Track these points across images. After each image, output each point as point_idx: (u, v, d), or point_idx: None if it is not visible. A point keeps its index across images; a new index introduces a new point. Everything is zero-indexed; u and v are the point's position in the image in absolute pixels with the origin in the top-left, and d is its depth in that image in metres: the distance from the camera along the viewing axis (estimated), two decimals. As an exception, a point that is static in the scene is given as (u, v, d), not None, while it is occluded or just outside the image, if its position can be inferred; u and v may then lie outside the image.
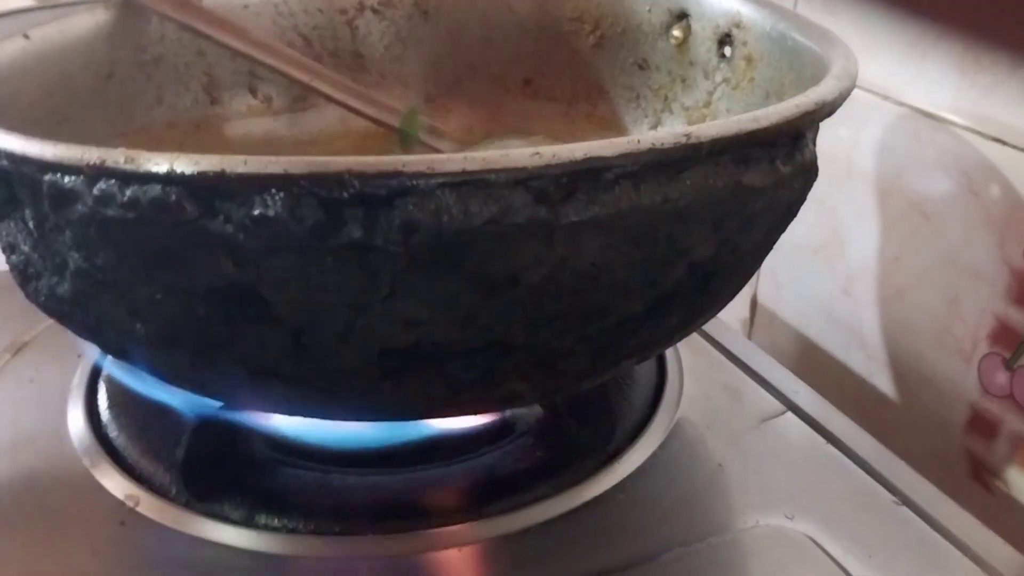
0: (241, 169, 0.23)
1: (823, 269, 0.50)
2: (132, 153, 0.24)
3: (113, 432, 0.37)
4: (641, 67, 0.46)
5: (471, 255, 0.24)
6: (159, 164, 0.23)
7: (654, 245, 0.25)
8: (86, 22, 0.42)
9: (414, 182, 0.23)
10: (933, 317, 0.44)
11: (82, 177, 0.24)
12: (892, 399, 0.47)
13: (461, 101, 0.50)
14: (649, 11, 0.45)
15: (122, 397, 0.39)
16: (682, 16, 0.44)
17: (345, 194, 0.23)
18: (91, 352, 0.42)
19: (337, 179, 0.23)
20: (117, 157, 0.24)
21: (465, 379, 0.27)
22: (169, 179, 0.23)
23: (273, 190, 0.23)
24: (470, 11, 0.50)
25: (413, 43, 0.50)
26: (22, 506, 0.34)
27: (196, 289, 0.25)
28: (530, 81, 0.49)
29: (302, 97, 0.48)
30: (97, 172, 0.24)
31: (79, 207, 0.25)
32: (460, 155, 0.23)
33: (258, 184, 0.23)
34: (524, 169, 0.23)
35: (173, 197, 0.23)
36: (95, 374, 0.41)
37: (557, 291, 0.25)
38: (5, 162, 0.26)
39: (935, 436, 0.45)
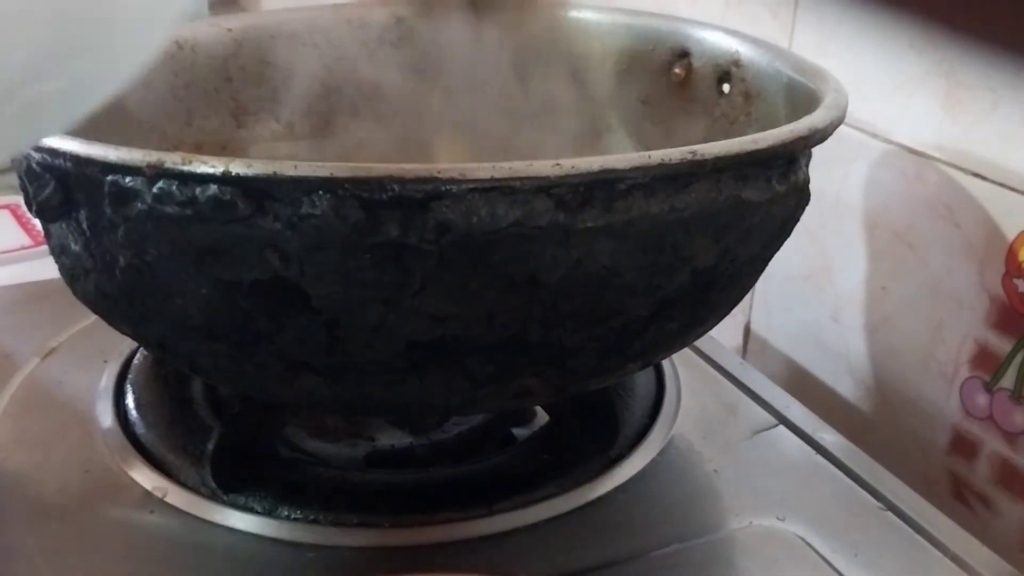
0: (291, 172, 0.25)
1: (813, 297, 0.53)
2: (190, 156, 0.26)
3: (140, 430, 0.39)
4: (644, 102, 0.48)
5: (496, 254, 0.26)
6: (216, 166, 0.26)
7: (661, 251, 0.28)
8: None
9: (447, 187, 0.25)
10: (917, 342, 0.46)
11: (142, 177, 0.27)
12: (879, 421, 0.49)
13: (472, 132, 0.52)
14: (653, 50, 0.48)
15: (149, 398, 0.41)
16: (683, 55, 0.46)
17: (385, 196, 0.25)
18: (116, 358, 0.44)
19: (378, 183, 0.25)
20: (175, 159, 0.26)
21: (483, 374, 0.29)
22: (225, 180, 0.26)
23: (320, 191, 0.25)
24: (482, 48, 0.53)
25: (428, 75, 0.53)
26: (56, 499, 0.35)
27: (242, 283, 0.27)
28: (538, 115, 0.52)
29: (323, 124, 0.51)
30: (157, 172, 0.26)
31: (138, 205, 0.27)
32: (489, 164, 0.25)
33: (306, 186, 0.25)
34: (546, 178, 0.26)
35: (228, 196, 0.26)
36: (122, 377, 0.43)
37: (571, 291, 0.27)
38: (68, 164, 0.28)
39: (919, 457, 0.47)
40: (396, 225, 0.26)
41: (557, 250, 0.26)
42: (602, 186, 0.26)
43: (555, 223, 0.26)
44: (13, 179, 0.91)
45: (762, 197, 0.29)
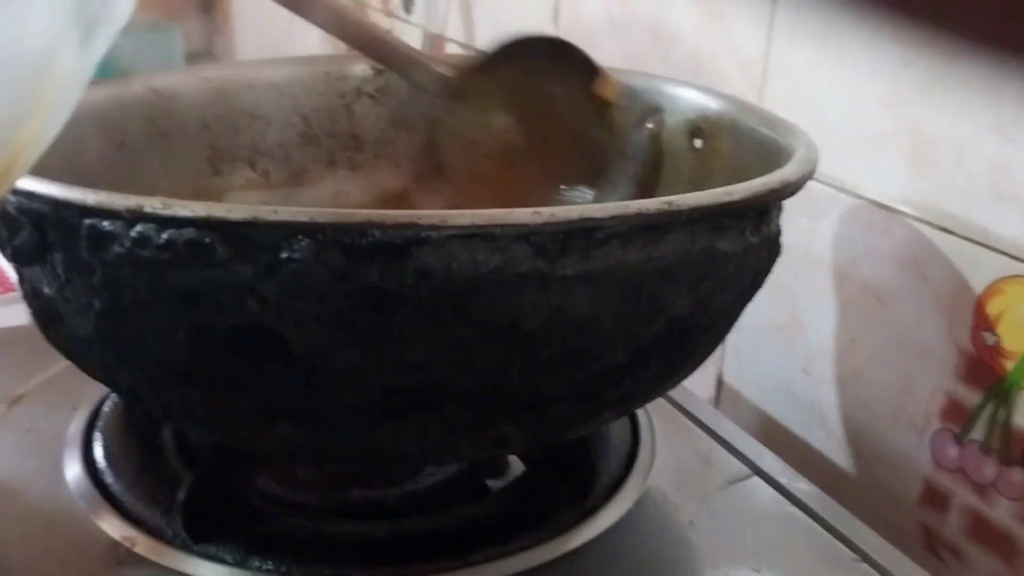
0: (272, 217, 0.25)
1: (784, 349, 0.53)
2: (169, 200, 0.26)
3: (109, 479, 0.38)
4: (619, 155, 0.49)
5: (476, 300, 0.26)
6: (195, 210, 0.26)
7: (638, 299, 0.28)
8: (103, 94, 0.45)
9: (428, 233, 0.25)
10: (887, 395, 0.47)
11: (121, 221, 0.27)
12: (851, 474, 0.50)
13: (449, 182, 0.53)
14: (625, 106, 0.49)
15: (117, 446, 0.40)
16: (656, 111, 0.47)
17: (365, 242, 0.25)
18: (86, 405, 0.44)
19: (359, 228, 0.25)
20: (155, 203, 0.26)
21: (461, 421, 0.29)
22: (204, 224, 0.26)
23: (300, 236, 0.25)
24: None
25: (405, 127, 0.54)
26: (22, 548, 0.35)
27: (219, 328, 0.27)
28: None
29: (300, 172, 0.51)
30: (136, 216, 0.26)
31: (116, 248, 0.27)
32: (470, 211, 0.26)
33: (286, 231, 0.25)
34: (526, 226, 0.26)
35: (207, 240, 0.26)
36: (91, 424, 0.42)
37: (551, 338, 0.28)
38: (45, 208, 0.28)
39: (891, 509, 0.47)
40: (376, 271, 0.26)
41: (537, 297, 0.27)
42: (581, 234, 0.26)
43: (535, 270, 0.26)
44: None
45: (736, 248, 0.30)
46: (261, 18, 1.26)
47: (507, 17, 0.80)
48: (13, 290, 0.70)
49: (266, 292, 0.26)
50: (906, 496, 0.46)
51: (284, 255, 0.25)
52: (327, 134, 0.52)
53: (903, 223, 0.45)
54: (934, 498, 0.45)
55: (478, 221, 0.25)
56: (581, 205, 0.27)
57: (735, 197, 0.29)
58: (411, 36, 0.97)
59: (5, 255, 0.32)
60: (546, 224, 0.26)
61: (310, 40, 1.14)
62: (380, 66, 0.53)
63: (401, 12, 0.95)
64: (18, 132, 0.23)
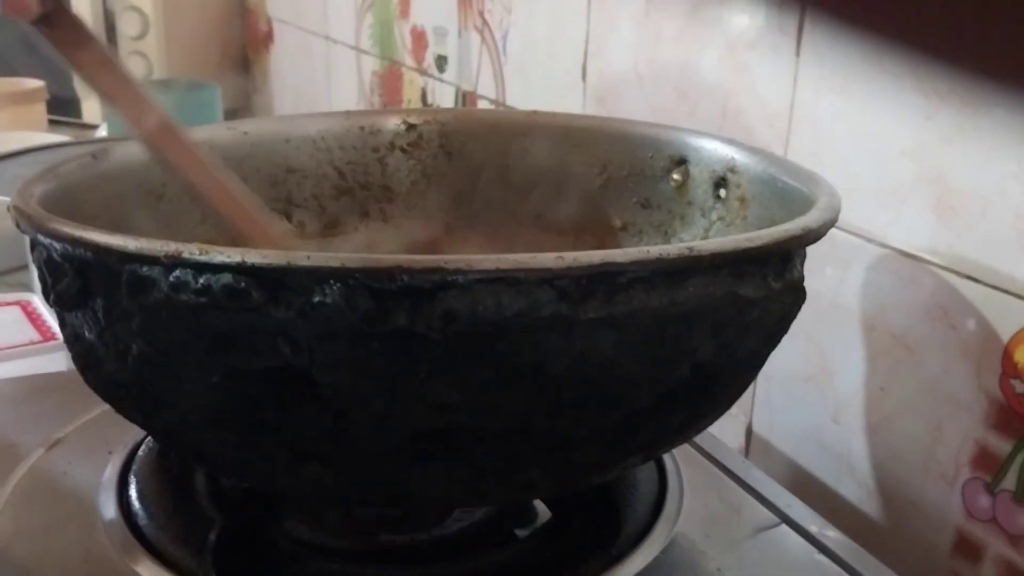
0: (304, 262, 0.26)
1: (813, 399, 0.53)
2: (206, 246, 0.27)
3: (143, 521, 0.39)
4: (644, 206, 0.50)
5: (501, 343, 0.27)
6: (231, 256, 0.27)
7: (661, 344, 0.28)
8: (143, 149, 0.46)
9: (454, 277, 0.26)
10: (917, 444, 0.47)
11: (160, 267, 0.28)
12: (881, 524, 0.49)
13: (478, 232, 0.54)
14: (652, 157, 0.50)
15: (151, 490, 0.41)
16: (681, 162, 0.48)
17: (394, 286, 0.26)
18: (121, 450, 0.45)
19: (388, 273, 0.26)
20: (192, 249, 0.27)
21: (487, 465, 0.30)
22: (240, 269, 0.27)
23: (331, 281, 0.26)
24: (489, 153, 0.55)
25: (436, 180, 0.55)
26: (55, 588, 0.35)
27: (252, 371, 0.28)
28: (541, 216, 0.54)
29: (333, 224, 0.52)
30: (174, 262, 0.27)
31: (155, 293, 0.28)
32: (494, 256, 0.26)
33: (318, 276, 0.26)
34: (550, 270, 0.27)
35: (242, 285, 0.27)
36: (126, 468, 0.43)
37: (575, 381, 0.28)
38: (88, 254, 0.30)
39: (923, 559, 0.46)
40: (404, 314, 0.26)
41: (561, 340, 0.27)
42: (603, 279, 0.27)
43: (558, 314, 0.27)
44: (23, 277, 0.93)
45: (758, 294, 0.30)
46: (297, 77, 1.29)
47: (537, 74, 0.82)
48: (54, 338, 0.72)
49: (298, 335, 0.27)
50: (938, 547, 0.46)
51: (316, 299, 0.26)
52: (360, 186, 0.54)
53: (930, 272, 0.45)
54: (967, 548, 0.45)
55: (503, 266, 0.26)
56: (603, 251, 0.27)
57: (756, 243, 0.29)
58: (445, 94, 0.99)
59: (48, 301, 0.34)
60: (569, 268, 0.27)
61: (345, 96, 1.17)
62: (412, 121, 0.55)
63: (434, 71, 0.98)
64: None
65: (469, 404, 0.28)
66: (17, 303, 0.80)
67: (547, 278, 0.27)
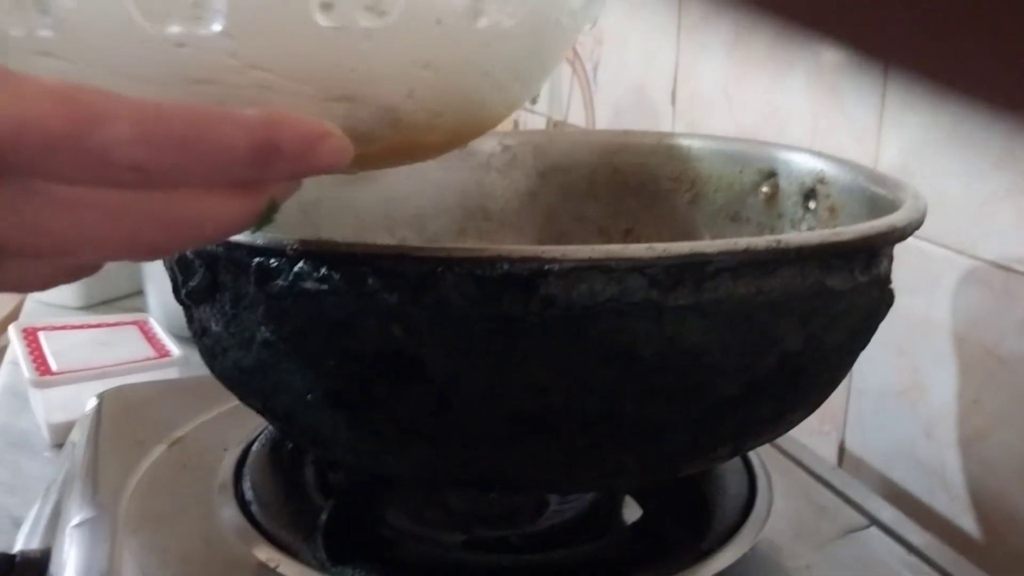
0: (417, 253, 0.29)
1: (906, 414, 0.53)
2: (326, 240, 0.30)
3: (256, 509, 0.42)
4: (733, 219, 0.51)
5: (594, 328, 0.29)
6: (350, 246, 0.29)
7: (749, 331, 0.30)
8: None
9: (550, 265, 0.28)
10: (1013, 455, 0.46)
11: (285, 258, 0.30)
12: (976, 539, 0.49)
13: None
14: (740, 172, 0.51)
15: (264, 482, 0.44)
16: (771, 175, 0.49)
17: (496, 274, 0.28)
18: (235, 446, 0.48)
19: (490, 261, 0.28)
20: (315, 241, 0.30)
21: (579, 447, 0.31)
22: (359, 258, 0.29)
23: (440, 269, 0.28)
24: (580, 172, 0.57)
25: (529, 198, 0.57)
26: (181, 569, 0.38)
27: (366, 353, 0.30)
28: (631, 231, 0.55)
29: (432, 239, 0.55)
30: (299, 253, 0.30)
31: (280, 282, 0.31)
32: (588, 246, 0.28)
33: (429, 264, 0.29)
34: (640, 259, 0.28)
35: (360, 272, 0.29)
36: (240, 463, 0.46)
37: (664, 367, 0.30)
38: (219, 250, 0.33)
39: (1021, 574, 0.46)
40: (505, 300, 0.28)
41: (651, 326, 0.29)
42: (692, 268, 0.29)
43: (648, 300, 0.28)
44: (138, 302, 0.99)
45: (845, 286, 0.31)
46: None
47: (626, 102, 0.84)
48: (168, 355, 0.76)
49: (409, 319, 0.29)
50: (1037, 561, 0.45)
51: (426, 286, 0.29)
52: (458, 205, 0.56)
53: (1022, 283, 0.45)
54: (1067, 563, 0.44)
55: (595, 255, 0.28)
56: (691, 242, 0.29)
57: (842, 237, 0.31)
58: (536, 125, 1.02)
59: (179, 297, 0.37)
60: (659, 258, 0.28)
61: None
62: (507, 142, 0.57)
63: (527, 103, 1.01)
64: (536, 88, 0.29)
65: (563, 386, 0.30)
66: (135, 323, 0.85)
67: (638, 266, 0.28)
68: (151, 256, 0.23)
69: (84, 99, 0.19)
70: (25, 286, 0.23)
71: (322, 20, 0.24)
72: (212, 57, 0.23)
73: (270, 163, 0.22)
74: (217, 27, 0.23)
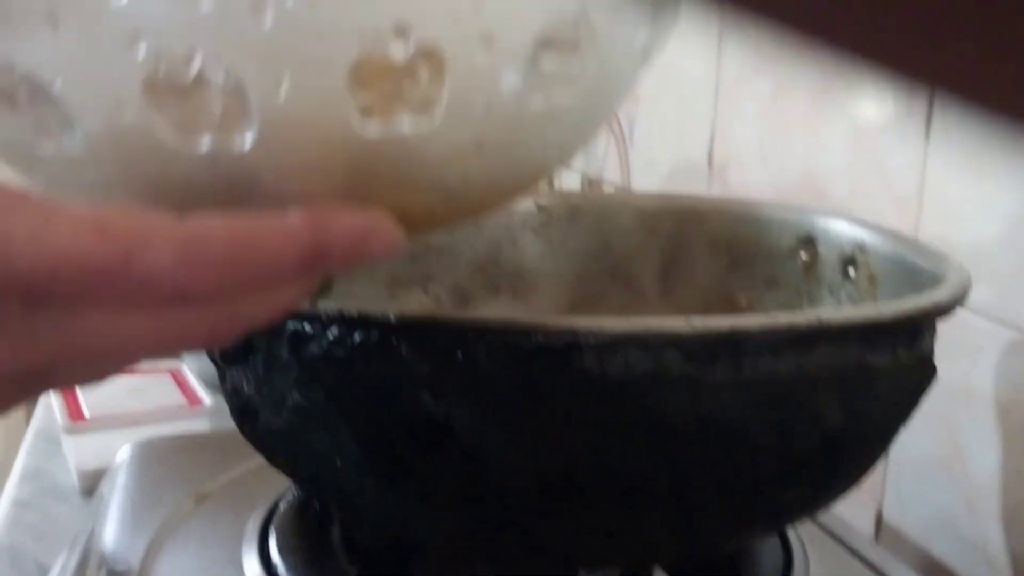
0: (450, 323, 0.29)
1: (946, 485, 0.52)
2: (361, 308, 0.30)
3: (282, 570, 0.41)
4: (769, 285, 0.51)
5: (628, 401, 0.28)
6: (384, 315, 0.29)
7: (787, 409, 0.29)
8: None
9: (586, 338, 0.28)
10: (1060, 535, 0.45)
11: (320, 323, 0.30)
12: (1022, 620, 0.47)
13: (602, 309, 0.56)
14: (778, 237, 0.51)
15: (290, 542, 0.43)
16: (809, 241, 0.49)
17: (530, 345, 0.28)
18: (263, 504, 0.47)
19: (525, 333, 0.28)
20: (349, 309, 0.30)
21: (611, 521, 0.31)
22: (392, 326, 0.29)
23: (474, 338, 0.28)
24: (615, 232, 0.57)
25: (564, 258, 0.57)
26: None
27: (396, 420, 0.30)
28: (666, 294, 0.55)
29: (467, 297, 0.55)
30: (333, 319, 0.30)
31: (313, 348, 0.31)
32: (624, 319, 0.28)
33: (463, 333, 0.28)
34: (678, 334, 0.28)
35: (393, 340, 0.29)
36: (267, 521, 0.45)
37: (701, 444, 0.29)
38: (254, 312, 0.33)
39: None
40: (538, 371, 0.28)
41: (686, 401, 0.28)
42: (730, 344, 0.28)
43: (685, 376, 0.28)
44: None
45: (887, 363, 0.30)
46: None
47: (662, 160, 0.84)
48: (199, 404, 0.77)
49: (440, 387, 0.29)
50: (1085, 646, 0.44)
51: (459, 354, 0.28)
52: (493, 264, 0.56)
53: (1069, 355, 0.44)
54: (1117, 650, 0.42)
55: (632, 329, 0.28)
56: (732, 317, 0.28)
57: (885, 315, 0.30)
58: (571, 182, 1.02)
59: (212, 357, 0.37)
60: (697, 333, 0.28)
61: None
62: (543, 203, 0.58)
63: (562, 156, 1.01)
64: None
65: (594, 458, 0.29)
66: (168, 371, 0.85)
67: (674, 341, 0.28)
68: (204, 349, 0.23)
69: (120, 227, 0.19)
70: (76, 384, 0.23)
71: (362, 129, 0.23)
72: (246, 170, 0.22)
73: (320, 264, 0.22)
74: (249, 140, 0.22)
